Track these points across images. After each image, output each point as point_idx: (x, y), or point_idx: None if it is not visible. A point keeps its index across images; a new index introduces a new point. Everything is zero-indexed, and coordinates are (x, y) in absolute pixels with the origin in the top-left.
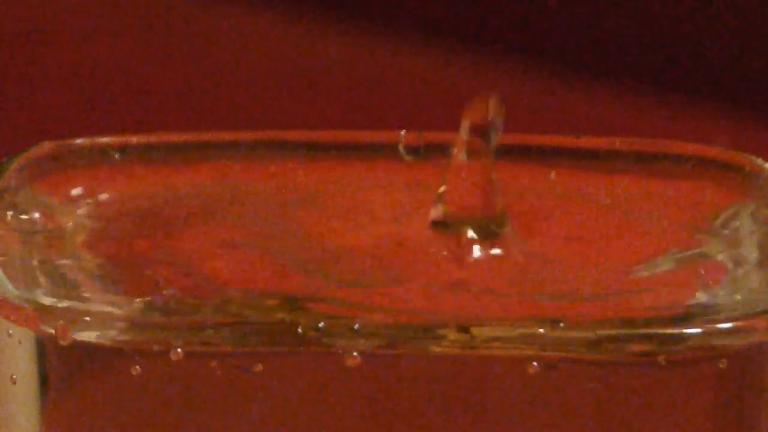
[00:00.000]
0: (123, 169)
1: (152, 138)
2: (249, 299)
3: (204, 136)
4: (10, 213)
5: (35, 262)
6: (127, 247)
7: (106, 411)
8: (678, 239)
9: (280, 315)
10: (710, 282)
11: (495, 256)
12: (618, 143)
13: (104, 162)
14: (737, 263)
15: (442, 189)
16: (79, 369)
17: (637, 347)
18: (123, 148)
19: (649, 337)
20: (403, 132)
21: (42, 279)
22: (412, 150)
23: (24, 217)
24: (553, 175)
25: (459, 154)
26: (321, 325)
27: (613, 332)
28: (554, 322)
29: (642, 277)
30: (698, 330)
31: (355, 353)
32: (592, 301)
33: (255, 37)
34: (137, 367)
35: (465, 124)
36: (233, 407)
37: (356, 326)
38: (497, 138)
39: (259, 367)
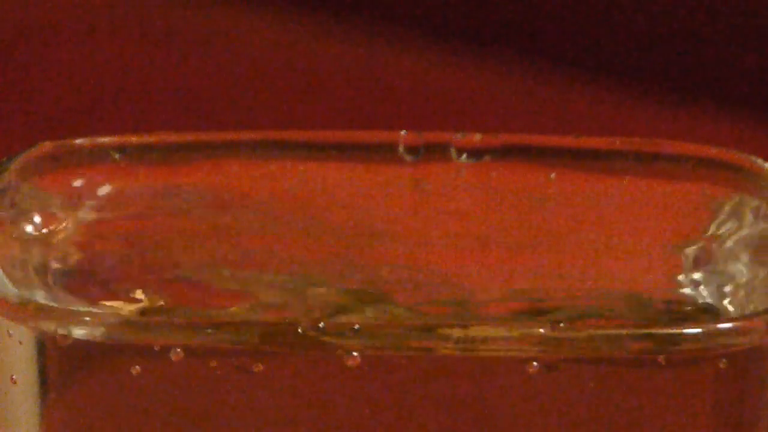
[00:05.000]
0: (123, 169)
1: (152, 138)
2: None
3: (204, 136)
4: (10, 213)
5: (35, 262)
6: (126, 246)
7: (106, 411)
8: (678, 239)
9: (280, 315)
10: (710, 281)
11: (494, 256)
12: (618, 143)
13: (104, 162)
14: (737, 263)
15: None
16: (79, 369)
17: (637, 347)
18: (123, 148)
19: (649, 337)
20: (403, 132)
21: (42, 279)
22: (412, 150)
23: (24, 217)
24: (553, 175)
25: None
26: (321, 325)
27: (613, 332)
28: (554, 322)
29: (642, 276)
30: (698, 330)
31: (355, 353)
32: (589, 299)
33: (255, 37)
34: (137, 367)
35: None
36: (233, 407)
37: (356, 326)
38: None
39: (259, 367)
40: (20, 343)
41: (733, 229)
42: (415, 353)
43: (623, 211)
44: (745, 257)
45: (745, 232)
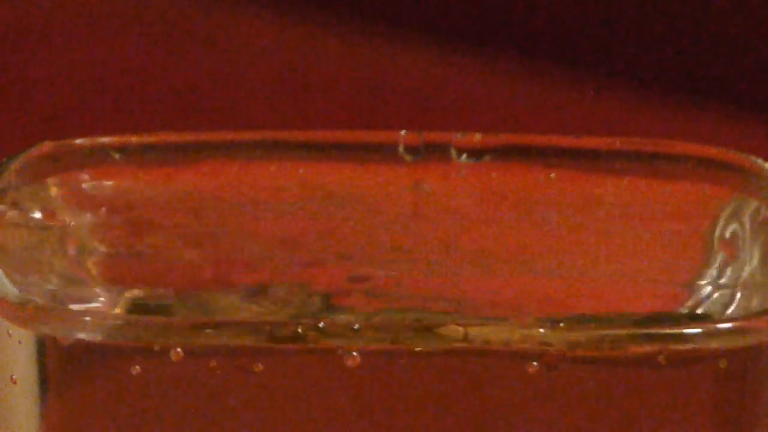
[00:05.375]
0: (123, 169)
1: (152, 138)
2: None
3: (204, 136)
4: (10, 213)
5: (35, 262)
6: (126, 246)
7: (106, 411)
8: (678, 239)
9: (280, 315)
10: (710, 281)
11: (494, 256)
12: (618, 143)
13: (104, 162)
14: (737, 263)
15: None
16: (79, 369)
17: (637, 347)
18: (123, 148)
19: (649, 337)
20: (403, 132)
21: (42, 279)
22: (412, 150)
23: (24, 217)
24: (553, 175)
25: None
26: (321, 325)
27: (613, 332)
28: (554, 322)
29: (641, 276)
30: (698, 330)
31: (355, 353)
32: (589, 300)
33: (255, 37)
34: (137, 367)
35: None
36: (233, 407)
37: (356, 326)
38: None
39: (259, 367)
40: (20, 343)
41: (732, 229)
42: (415, 353)
43: (623, 211)
44: (744, 257)
45: (744, 232)
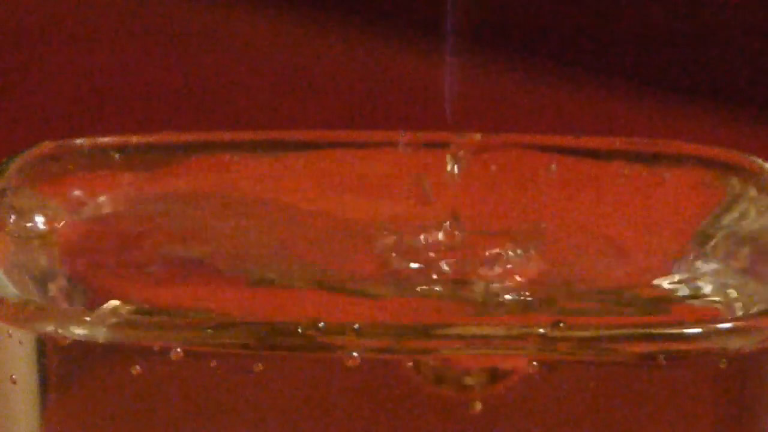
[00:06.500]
0: (123, 169)
1: (152, 138)
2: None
3: (204, 136)
4: (10, 213)
5: (35, 262)
6: (126, 246)
7: (106, 411)
8: (678, 239)
9: (280, 315)
10: (709, 281)
11: (493, 256)
12: (618, 143)
13: (104, 162)
14: (737, 263)
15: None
16: (79, 369)
17: (637, 347)
18: (123, 148)
19: (649, 337)
20: (403, 132)
21: (42, 279)
22: (412, 150)
23: (24, 216)
24: (553, 166)
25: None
26: (321, 325)
27: (613, 332)
28: (554, 322)
29: (641, 276)
30: (698, 330)
31: (355, 353)
32: (590, 300)
33: (255, 37)
34: (137, 367)
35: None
36: (233, 407)
37: (356, 326)
38: None
39: (259, 367)
40: (20, 343)
41: (733, 229)
42: (414, 353)
43: (623, 210)
44: (745, 257)
45: (745, 232)
